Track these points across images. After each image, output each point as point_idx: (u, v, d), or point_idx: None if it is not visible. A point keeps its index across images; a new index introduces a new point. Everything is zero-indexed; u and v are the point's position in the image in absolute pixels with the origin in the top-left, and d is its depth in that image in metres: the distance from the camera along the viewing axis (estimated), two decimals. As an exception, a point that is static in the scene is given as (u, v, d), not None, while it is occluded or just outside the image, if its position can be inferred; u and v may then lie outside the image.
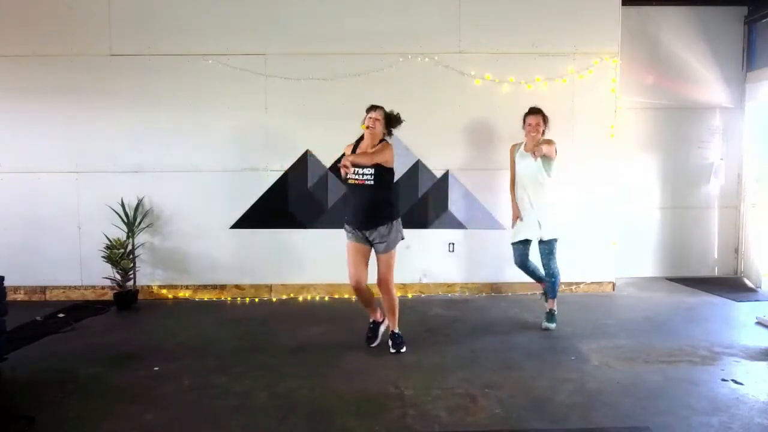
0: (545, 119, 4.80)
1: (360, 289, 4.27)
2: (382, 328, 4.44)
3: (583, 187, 5.91)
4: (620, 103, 6.02)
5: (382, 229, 4.16)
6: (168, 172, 5.83)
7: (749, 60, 6.55)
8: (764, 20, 6.34)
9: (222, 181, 5.84)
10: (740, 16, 6.53)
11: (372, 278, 4.30)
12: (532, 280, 5.09)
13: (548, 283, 4.86)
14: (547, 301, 4.90)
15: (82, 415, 3.28)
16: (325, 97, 5.75)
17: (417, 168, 5.90)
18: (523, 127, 4.85)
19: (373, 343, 4.38)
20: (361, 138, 4.28)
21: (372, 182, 4.10)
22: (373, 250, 4.25)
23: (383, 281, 4.24)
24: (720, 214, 6.70)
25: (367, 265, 4.26)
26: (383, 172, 4.14)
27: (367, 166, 4.06)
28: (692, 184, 6.67)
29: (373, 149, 4.14)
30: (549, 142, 4.67)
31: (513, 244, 4.93)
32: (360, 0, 5.82)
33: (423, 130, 5.85)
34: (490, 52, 5.83)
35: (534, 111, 4.80)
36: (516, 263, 4.96)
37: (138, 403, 3.43)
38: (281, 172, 5.87)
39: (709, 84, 6.57)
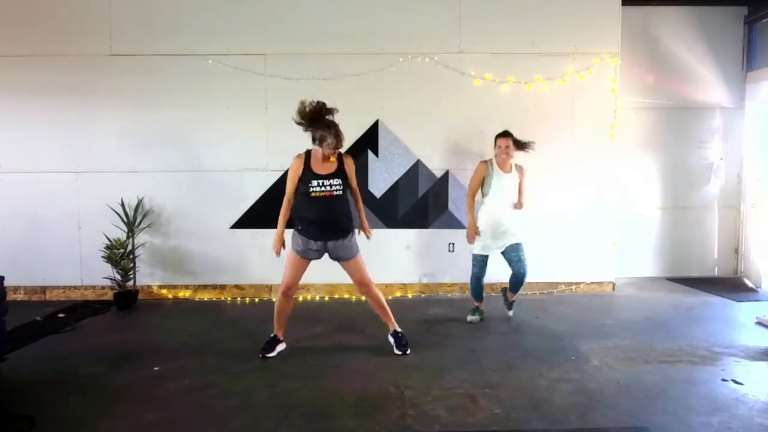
0: (515, 142, 4.90)
1: (288, 297, 4.17)
2: (280, 347, 4.25)
3: (582, 187, 5.91)
4: (620, 103, 6.02)
5: (345, 240, 4.09)
6: (168, 172, 5.83)
7: (749, 60, 6.55)
8: (764, 20, 6.34)
9: (222, 181, 5.84)
10: (740, 16, 6.54)
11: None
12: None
13: (518, 278, 4.96)
14: (476, 313, 5.05)
15: (82, 415, 3.28)
16: (325, 97, 5.67)
17: (417, 168, 5.90)
18: (495, 148, 4.92)
19: (268, 353, 4.15)
20: (308, 152, 4.10)
21: (340, 193, 4.04)
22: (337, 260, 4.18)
23: (364, 284, 4.18)
24: (720, 214, 6.70)
25: (302, 277, 4.20)
26: (348, 182, 4.11)
27: (336, 178, 4.00)
28: (692, 184, 6.67)
29: (348, 168, 4.09)
30: (522, 171, 4.96)
31: (477, 255, 4.99)
32: (360, 0, 5.82)
33: (423, 130, 5.86)
34: (490, 52, 5.83)
35: (505, 134, 4.91)
36: (477, 274, 5.01)
37: (138, 403, 3.43)
38: (281, 172, 5.86)
39: (709, 84, 6.58)
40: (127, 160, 5.81)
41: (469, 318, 5.01)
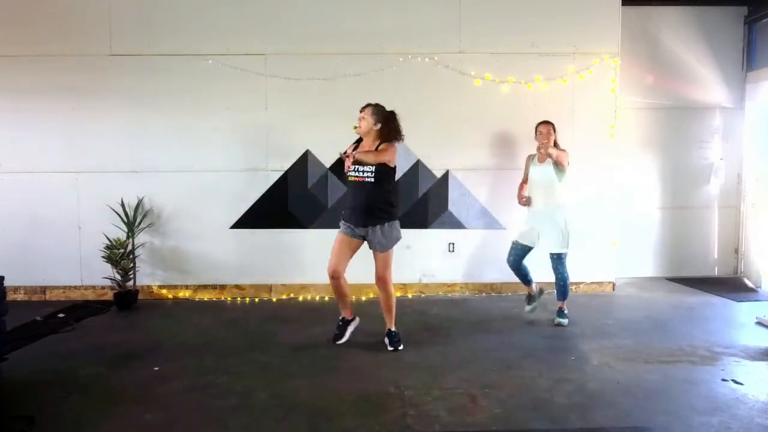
0: (555, 129, 4.91)
1: (336, 279, 4.25)
2: (351, 327, 4.42)
3: (582, 187, 5.90)
4: (620, 103, 6.01)
5: (380, 229, 4.18)
6: (168, 172, 5.83)
7: (749, 60, 6.55)
8: (764, 20, 6.34)
9: (222, 181, 5.84)
10: (740, 16, 6.53)
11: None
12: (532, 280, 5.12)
13: (557, 286, 4.96)
14: (530, 302, 5.14)
15: (82, 415, 3.28)
16: (325, 97, 5.75)
17: (417, 168, 5.90)
18: (535, 137, 4.95)
19: (339, 340, 4.37)
20: (361, 139, 4.35)
21: (372, 180, 4.13)
22: (367, 247, 4.28)
23: (381, 279, 4.27)
24: (720, 214, 6.70)
25: (350, 258, 4.29)
26: (384, 171, 4.16)
27: (368, 164, 4.10)
28: (692, 184, 6.67)
29: (379, 149, 4.15)
30: (562, 150, 4.86)
31: (514, 242, 5.01)
32: (360, 0, 5.82)
33: (423, 130, 5.84)
34: (490, 52, 5.83)
35: (545, 121, 4.95)
36: (508, 261, 5.04)
37: (138, 403, 3.43)
38: (281, 172, 5.87)
39: (709, 84, 6.57)
40: (127, 160, 5.81)
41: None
